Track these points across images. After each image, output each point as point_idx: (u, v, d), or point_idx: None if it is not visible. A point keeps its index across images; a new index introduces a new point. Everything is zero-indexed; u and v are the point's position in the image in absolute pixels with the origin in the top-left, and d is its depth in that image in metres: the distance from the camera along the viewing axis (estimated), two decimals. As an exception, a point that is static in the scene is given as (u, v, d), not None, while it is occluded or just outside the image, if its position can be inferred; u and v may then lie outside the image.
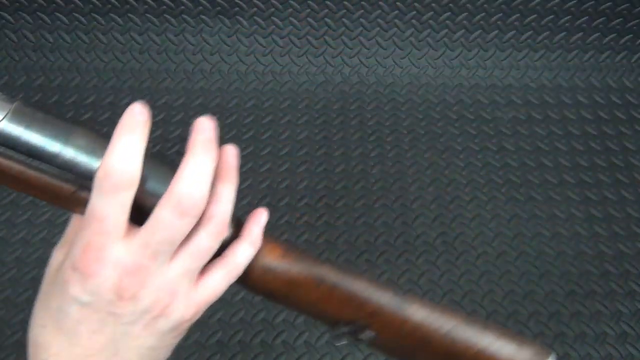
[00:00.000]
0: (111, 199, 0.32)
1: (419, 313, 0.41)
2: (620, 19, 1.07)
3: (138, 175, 0.33)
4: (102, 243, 0.33)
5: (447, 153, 0.99)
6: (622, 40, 1.09)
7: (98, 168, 0.33)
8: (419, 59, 1.09)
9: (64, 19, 1.05)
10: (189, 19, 1.06)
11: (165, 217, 0.33)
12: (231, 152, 0.42)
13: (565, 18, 1.07)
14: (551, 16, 1.07)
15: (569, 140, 1.02)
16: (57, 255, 0.37)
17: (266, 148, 0.98)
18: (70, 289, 0.34)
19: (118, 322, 0.35)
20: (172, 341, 0.38)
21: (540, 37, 1.09)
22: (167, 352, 0.39)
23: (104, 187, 0.32)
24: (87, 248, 0.33)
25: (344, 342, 0.44)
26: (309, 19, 1.07)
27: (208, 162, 0.35)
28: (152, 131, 1.01)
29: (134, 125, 0.33)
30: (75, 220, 0.40)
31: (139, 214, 0.35)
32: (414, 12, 1.07)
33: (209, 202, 0.35)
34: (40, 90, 1.03)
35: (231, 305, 0.81)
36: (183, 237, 0.35)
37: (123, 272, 0.33)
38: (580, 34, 1.09)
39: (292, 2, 1.05)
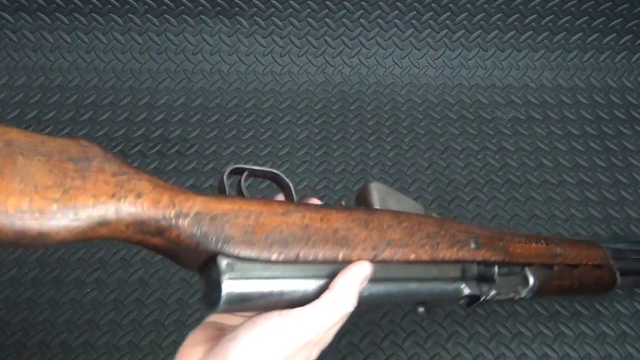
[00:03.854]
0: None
1: None
2: (620, 19, 1.07)
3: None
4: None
5: (446, 153, 0.99)
6: (622, 40, 1.09)
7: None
8: (419, 59, 1.09)
9: (64, 19, 1.05)
10: (189, 19, 1.06)
11: None
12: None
13: (565, 18, 1.07)
14: (551, 16, 1.07)
15: (569, 140, 1.02)
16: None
17: (266, 148, 0.98)
18: None
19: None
20: None
21: (540, 37, 1.09)
22: None
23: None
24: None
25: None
26: (309, 19, 1.07)
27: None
28: (152, 131, 1.01)
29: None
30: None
31: None
32: (414, 12, 1.07)
33: None
34: (40, 90, 1.03)
35: (231, 305, 0.81)
36: None
37: None
38: (580, 34, 1.09)
39: (292, 2, 1.05)
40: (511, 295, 0.59)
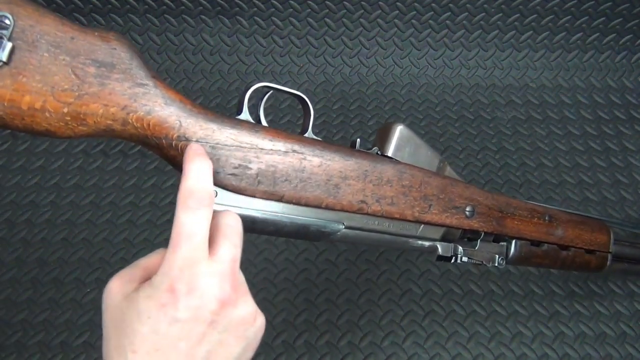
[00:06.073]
0: (197, 216, 0.36)
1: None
2: (620, 19, 1.07)
3: (213, 192, 0.37)
4: (196, 258, 0.35)
5: (447, 153, 1.00)
6: (622, 40, 1.09)
7: (179, 189, 0.37)
8: (419, 59, 1.09)
9: (64, 19, 1.05)
10: (189, 19, 1.06)
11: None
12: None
13: (565, 18, 1.07)
14: (551, 16, 1.07)
15: (569, 140, 1.02)
16: (115, 286, 0.37)
17: (266, 148, 0.98)
18: (168, 311, 0.35)
19: (215, 331, 0.36)
20: (250, 354, 0.40)
21: (540, 37, 1.09)
22: None
23: (190, 204, 0.36)
24: (183, 267, 0.35)
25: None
26: (309, 19, 1.07)
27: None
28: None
29: (201, 153, 0.38)
30: (154, 255, 0.40)
31: None
32: (414, 12, 1.07)
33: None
34: (40, 90, 1.03)
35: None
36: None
37: (221, 280, 0.36)
38: (580, 34, 1.09)
39: (292, 2, 1.05)
40: (487, 262, 0.59)
